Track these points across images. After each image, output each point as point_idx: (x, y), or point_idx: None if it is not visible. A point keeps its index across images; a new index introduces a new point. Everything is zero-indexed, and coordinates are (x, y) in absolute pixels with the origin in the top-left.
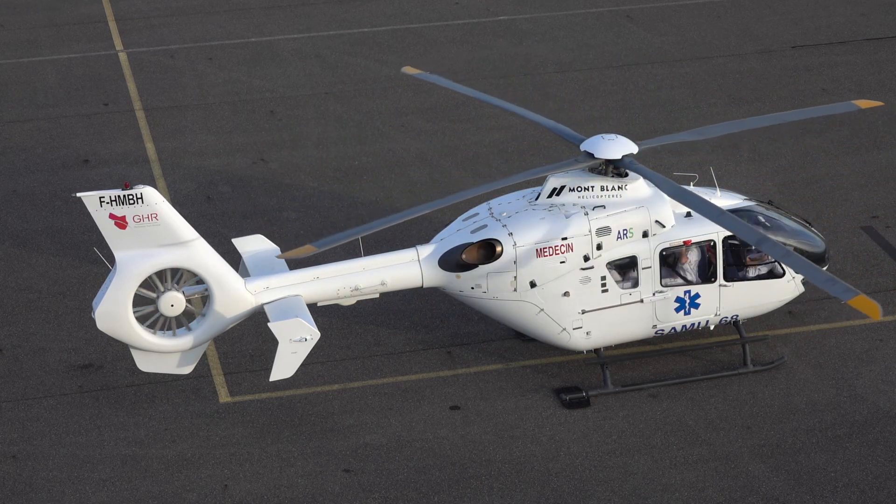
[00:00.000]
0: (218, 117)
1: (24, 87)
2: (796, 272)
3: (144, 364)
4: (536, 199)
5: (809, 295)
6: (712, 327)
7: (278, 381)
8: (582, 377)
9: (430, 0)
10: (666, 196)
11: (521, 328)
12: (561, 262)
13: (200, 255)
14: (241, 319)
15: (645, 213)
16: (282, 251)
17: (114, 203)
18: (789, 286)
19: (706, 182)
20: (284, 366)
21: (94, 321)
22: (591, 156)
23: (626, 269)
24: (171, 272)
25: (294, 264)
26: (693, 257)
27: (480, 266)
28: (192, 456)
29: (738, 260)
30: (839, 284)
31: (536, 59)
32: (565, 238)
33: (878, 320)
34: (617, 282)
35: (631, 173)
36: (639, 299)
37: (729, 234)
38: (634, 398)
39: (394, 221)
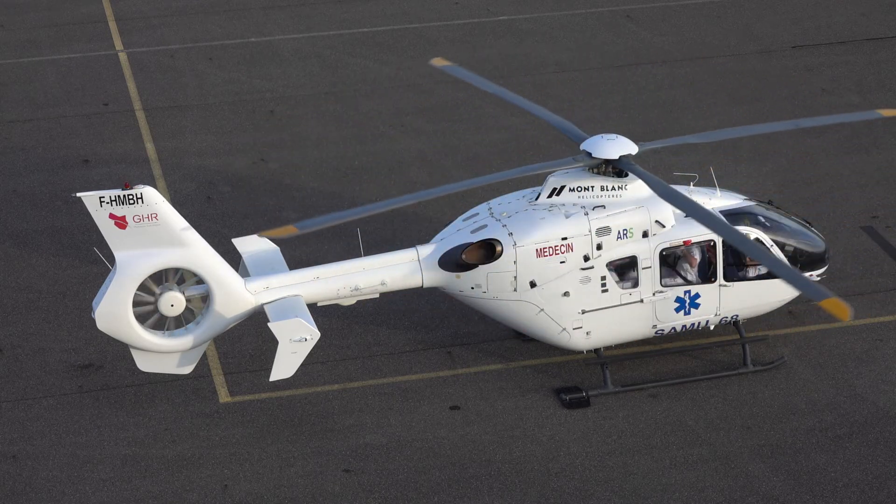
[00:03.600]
0: (218, 117)
1: (24, 87)
2: (786, 281)
3: (144, 364)
4: (536, 199)
5: None
6: (712, 327)
7: (278, 381)
8: (582, 377)
9: (430, 0)
10: None
11: (521, 328)
12: (561, 262)
13: (200, 255)
14: (241, 319)
15: (645, 213)
16: (282, 251)
17: (114, 203)
18: (789, 286)
19: (706, 182)
20: (284, 366)
21: (94, 321)
22: (589, 155)
23: (626, 269)
24: (171, 272)
25: (294, 264)
26: (693, 257)
27: (480, 266)
28: (192, 456)
29: (738, 260)
30: (817, 288)
31: (536, 59)
32: (565, 238)
33: (847, 322)
34: (617, 282)
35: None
36: (639, 299)
37: None
38: (634, 398)
39: (383, 209)
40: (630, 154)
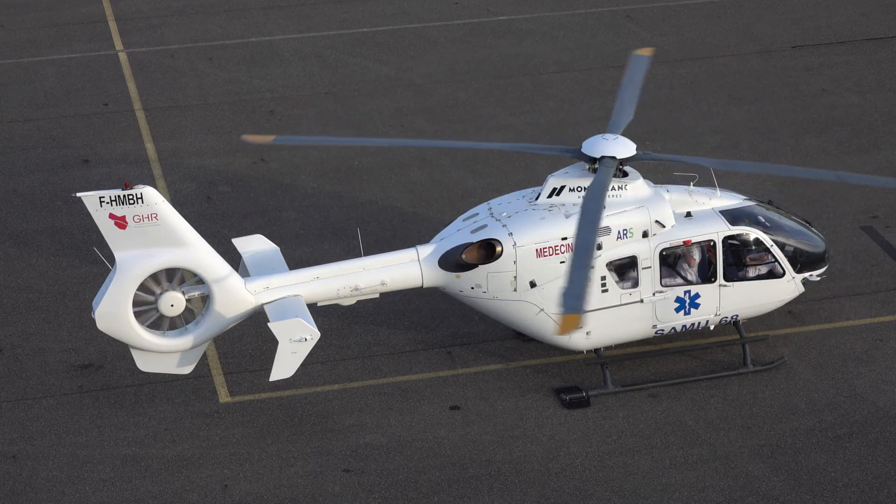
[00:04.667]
0: (218, 117)
1: (24, 87)
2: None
3: (144, 364)
4: (536, 199)
5: (809, 295)
6: (712, 327)
7: (278, 381)
8: (582, 377)
9: (430, 0)
10: (665, 196)
11: (521, 328)
12: (561, 262)
13: (200, 255)
14: (241, 319)
15: (645, 213)
16: (282, 251)
17: (114, 203)
18: (789, 286)
19: (706, 182)
20: (284, 366)
21: (94, 321)
22: (579, 149)
23: (626, 268)
24: (171, 272)
25: (294, 264)
26: (693, 257)
27: (480, 266)
28: (192, 456)
29: (738, 260)
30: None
31: (536, 59)
32: (565, 238)
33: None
34: (617, 282)
35: (631, 173)
36: (639, 299)
37: (729, 234)
38: (634, 398)
39: (365, 143)
40: (614, 157)
